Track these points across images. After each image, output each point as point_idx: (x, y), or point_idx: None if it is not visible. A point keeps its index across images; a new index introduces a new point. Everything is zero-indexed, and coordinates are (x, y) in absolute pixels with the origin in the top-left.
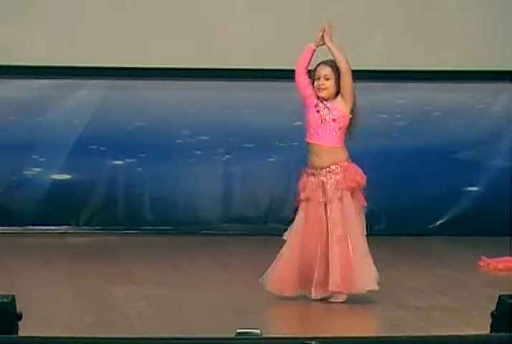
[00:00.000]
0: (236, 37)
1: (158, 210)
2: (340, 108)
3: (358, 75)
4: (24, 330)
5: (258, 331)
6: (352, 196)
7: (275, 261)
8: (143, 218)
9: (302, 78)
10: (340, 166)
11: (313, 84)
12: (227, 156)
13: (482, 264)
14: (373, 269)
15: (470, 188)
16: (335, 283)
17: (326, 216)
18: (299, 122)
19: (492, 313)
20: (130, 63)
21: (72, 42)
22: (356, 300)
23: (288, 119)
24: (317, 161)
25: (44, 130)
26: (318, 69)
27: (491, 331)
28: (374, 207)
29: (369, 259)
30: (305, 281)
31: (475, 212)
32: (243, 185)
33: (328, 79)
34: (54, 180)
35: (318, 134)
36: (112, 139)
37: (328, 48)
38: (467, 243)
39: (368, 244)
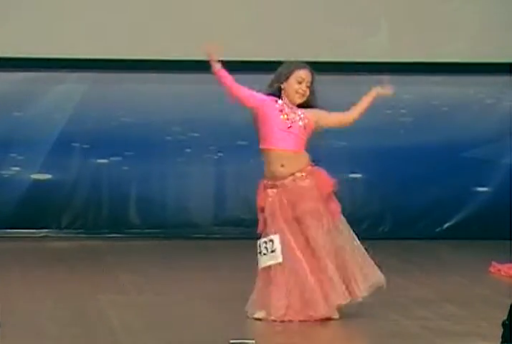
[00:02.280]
0: (231, 27)
1: (145, 212)
2: (311, 121)
3: (362, 68)
4: (3, 341)
5: (252, 341)
6: (325, 202)
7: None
8: (129, 221)
9: (244, 96)
10: (305, 172)
11: (278, 87)
12: (220, 154)
13: (492, 270)
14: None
15: (480, 189)
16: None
17: (301, 230)
18: None
19: (503, 323)
20: (116, 55)
21: (53, 33)
22: (358, 309)
23: None
24: (279, 170)
25: (23, 126)
26: (300, 72)
27: (502, 342)
28: (378, 208)
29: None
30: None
31: (485, 214)
32: (236, 186)
33: (308, 87)
34: (33, 180)
35: (283, 139)
36: (96, 136)
37: (366, 102)
38: (477, 247)
39: (372, 248)
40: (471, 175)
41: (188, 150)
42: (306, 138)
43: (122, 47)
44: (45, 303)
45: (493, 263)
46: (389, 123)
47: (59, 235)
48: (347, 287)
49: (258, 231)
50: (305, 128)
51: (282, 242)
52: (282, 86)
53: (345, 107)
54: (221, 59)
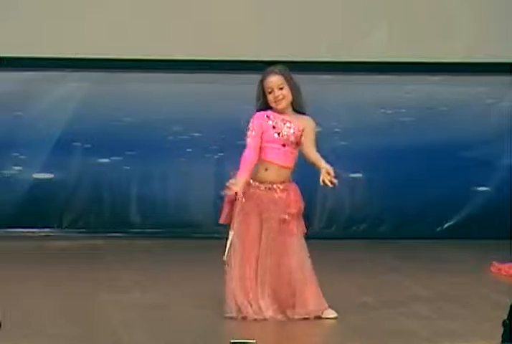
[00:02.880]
0: (231, 27)
1: (146, 212)
2: (299, 128)
3: (361, 67)
4: (4, 340)
5: (253, 341)
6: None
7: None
8: (130, 221)
9: (255, 148)
10: (283, 186)
11: (264, 102)
12: (221, 154)
13: (493, 269)
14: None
15: (480, 189)
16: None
17: (261, 233)
18: None
19: (503, 322)
20: (117, 54)
21: (55, 33)
22: (357, 308)
23: None
24: (261, 172)
25: (25, 125)
26: (268, 80)
27: (503, 341)
28: (379, 208)
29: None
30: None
31: (485, 214)
32: None
33: (282, 89)
34: (35, 179)
35: (274, 154)
36: (97, 136)
37: (318, 161)
38: (477, 247)
39: (372, 248)
40: (471, 175)
41: (189, 150)
42: (296, 152)
43: (123, 47)
44: (46, 302)
45: (493, 262)
46: (389, 123)
47: (60, 234)
48: (279, 303)
49: (220, 222)
50: (296, 143)
51: (239, 238)
52: (265, 100)
53: (342, 107)
54: (221, 59)
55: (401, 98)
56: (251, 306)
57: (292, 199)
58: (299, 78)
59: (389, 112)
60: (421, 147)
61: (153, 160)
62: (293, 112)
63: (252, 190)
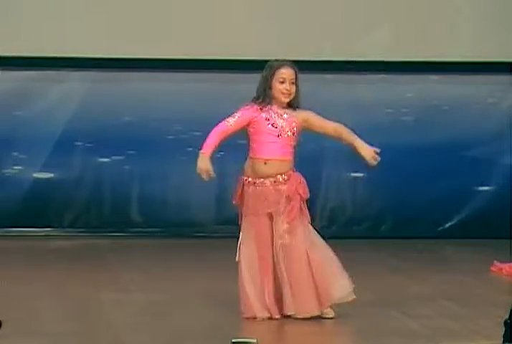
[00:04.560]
0: (231, 27)
1: (147, 211)
2: (298, 124)
3: (362, 67)
4: (4, 339)
5: (254, 340)
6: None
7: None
8: (131, 220)
9: (232, 126)
10: (287, 176)
11: (266, 93)
12: (221, 153)
13: (494, 269)
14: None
15: (482, 188)
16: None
17: (272, 229)
18: None
19: (505, 322)
20: (118, 53)
21: (55, 32)
22: (358, 308)
23: None
24: (261, 167)
25: (25, 125)
26: (281, 71)
27: (504, 341)
28: (380, 207)
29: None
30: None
31: (487, 213)
32: None
33: (293, 84)
34: (35, 178)
35: (270, 149)
36: (98, 135)
37: (356, 142)
38: (479, 246)
39: (373, 247)
40: (472, 175)
41: (189, 149)
42: (294, 144)
43: (124, 46)
44: (47, 301)
45: (495, 262)
46: (391, 122)
47: (61, 234)
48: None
49: (233, 202)
50: (293, 134)
51: (248, 238)
52: (269, 91)
53: (344, 106)
54: (222, 58)
55: (403, 97)
56: (266, 307)
57: (298, 188)
58: (301, 77)
59: (391, 111)
60: (422, 147)
61: (154, 159)
62: (288, 108)
63: (258, 188)
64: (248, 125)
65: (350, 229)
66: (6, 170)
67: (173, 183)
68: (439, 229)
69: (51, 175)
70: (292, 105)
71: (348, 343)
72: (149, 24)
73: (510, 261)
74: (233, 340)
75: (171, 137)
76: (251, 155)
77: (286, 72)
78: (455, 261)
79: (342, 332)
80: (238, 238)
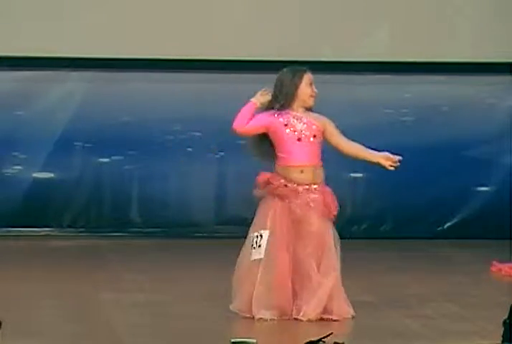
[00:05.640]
0: (230, 27)
1: (147, 211)
2: (320, 127)
3: (362, 67)
4: (4, 340)
5: (254, 340)
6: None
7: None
8: (130, 220)
9: (249, 126)
10: (319, 187)
11: (291, 96)
12: (221, 153)
13: (493, 269)
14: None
15: (481, 188)
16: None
17: (300, 234)
18: None
19: (504, 322)
20: (117, 54)
21: (55, 32)
22: (358, 308)
23: None
24: (299, 177)
25: (25, 125)
26: (309, 75)
27: (503, 341)
28: (379, 208)
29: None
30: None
31: (486, 214)
32: (238, 185)
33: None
34: (35, 178)
35: (297, 154)
36: (97, 135)
37: (370, 156)
38: (478, 247)
39: (373, 247)
40: (472, 175)
41: (189, 149)
42: (319, 146)
43: (123, 46)
44: (46, 302)
45: (494, 262)
46: (391, 122)
47: (60, 234)
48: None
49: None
50: (314, 136)
51: (273, 239)
52: (295, 95)
53: (344, 107)
54: (221, 58)
55: (403, 98)
56: (283, 310)
57: (329, 201)
58: None
59: (390, 111)
60: (422, 147)
61: (154, 159)
62: (305, 111)
63: (288, 193)
64: (267, 130)
65: (349, 229)
66: (5, 170)
67: (173, 183)
68: (438, 229)
69: (51, 175)
70: (310, 109)
71: (347, 343)
72: (148, 24)
73: (509, 262)
74: (232, 340)
75: (170, 137)
76: (282, 163)
77: (311, 76)
78: (455, 262)
79: (342, 333)
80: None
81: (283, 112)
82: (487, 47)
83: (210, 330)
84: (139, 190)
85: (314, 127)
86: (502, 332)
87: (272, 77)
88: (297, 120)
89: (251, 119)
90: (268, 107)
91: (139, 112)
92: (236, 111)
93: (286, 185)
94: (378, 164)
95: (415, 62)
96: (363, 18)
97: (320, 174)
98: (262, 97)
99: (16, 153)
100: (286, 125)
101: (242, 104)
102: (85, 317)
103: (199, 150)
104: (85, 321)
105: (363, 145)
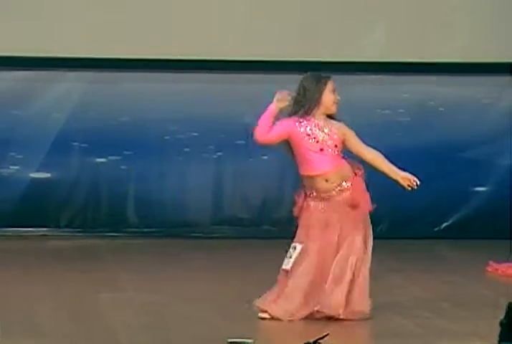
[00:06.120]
0: (230, 27)
1: (144, 211)
2: (340, 136)
3: (358, 67)
4: (1, 340)
5: (251, 341)
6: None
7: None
8: (127, 220)
9: (271, 135)
10: (350, 181)
11: (315, 102)
12: (218, 154)
13: (490, 269)
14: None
15: (478, 189)
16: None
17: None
18: None
19: (500, 322)
20: (114, 54)
21: (52, 32)
22: None
23: (283, 114)
24: (324, 186)
25: (22, 125)
26: (332, 82)
27: (499, 341)
28: (376, 208)
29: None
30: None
31: (483, 214)
32: (235, 185)
33: None
34: (32, 179)
35: (319, 163)
36: (94, 135)
37: (389, 171)
38: (475, 247)
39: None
40: (469, 175)
41: (186, 150)
42: (340, 152)
43: (120, 46)
44: (44, 302)
45: (491, 262)
46: (387, 123)
47: (57, 234)
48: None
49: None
50: (336, 146)
51: (306, 251)
52: (319, 102)
53: (340, 107)
54: (219, 58)
55: (399, 98)
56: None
57: (356, 196)
58: (297, 78)
59: (387, 112)
60: (418, 148)
61: (151, 159)
62: (326, 118)
63: (322, 203)
64: (289, 137)
65: None
66: (2, 170)
67: (170, 183)
68: (435, 230)
69: (48, 175)
70: (331, 116)
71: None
72: (145, 24)
73: (505, 262)
74: (229, 340)
75: (167, 137)
76: (306, 173)
77: (332, 84)
78: (452, 262)
79: (339, 333)
80: (293, 247)
81: (306, 119)
82: (484, 47)
83: (207, 329)
84: (136, 191)
85: (335, 136)
86: (499, 332)
87: (268, 77)
88: (319, 129)
89: (272, 127)
90: (289, 112)
91: (136, 112)
92: (234, 111)
93: (320, 196)
94: (396, 181)
95: (412, 63)
96: (359, 18)
97: (346, 171)
98: (280, 103)
99: (13, 153)
100: (308, 134)
101: (241, 103)
102: (82, 317)
103: (196, 151)
104: (82, 321)
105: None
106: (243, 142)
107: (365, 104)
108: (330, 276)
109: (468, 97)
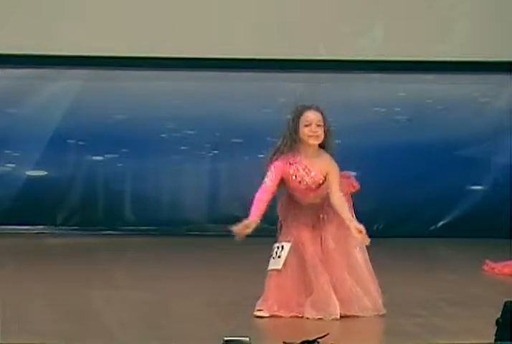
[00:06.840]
0: (227, 26)
1: (140, 209)
2: (324, 174)
3: (356, 66)
4: None
5: (247, 339)
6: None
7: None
8: (124, 218)
9: (272, 186)
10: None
11: (292, 139)
12: (215, 152)
13: (486, 268)
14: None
15: (474, 187)
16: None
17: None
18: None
19: (497, 321)
20: (111, 52)
21: (49, 30)
22: None
23: (280, 112)
24: (310, 205)
25: (18, 123)
26: (306, 114)
27: (496, 340)
28: (372, 207)
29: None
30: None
31: (479, 213)
32: (231, 183)
33: (319, 126)
34: (28, 176)
35: (304, 196)
36: (91, 133)
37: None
38: (471, 245)
39: (366, 246)
40: (465, 174)
41: (183, 148)
42: (322, 187)
43: (117, 45)
44: (39, 299)
45: (487, 261)
46: (384, 121)
47: (54, 231)
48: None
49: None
50: (320, 184)
51: (295, 250)
52: (296, 135)
53: (338, 106)
54: (215, 57)
55: (396, 97)
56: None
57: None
58: (294, 76)
59: (384, 110)
60: (415, 146)
61: (147, 157)
62: (317, 150)
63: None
64: (281, 175)
65: None
66: None
67: (166, 181)
68: (431, 228)
69: (45, 173)
70: (323, 147)
71: (340, 342)
72: (142, 23)
73: (502, 261)
74: (225, 339)
75: (163, 135)
76: (291, 195)
77: (312, 116)
78: (447, 261)
79: (335, 332)
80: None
81: (295, 159)
82: (481, 46)
83: (203, 327)
84: (132, 188)
85: (321, 176)
86: (495, 330)
87: (266, 76)
88: (305, 173)
89: (264, 202)
90: (277, 146)
91: (133, 110)
92: (230, 109)
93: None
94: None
95: (409, 61)
96: (357, 17)
97: (324, 192)
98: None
99: (9, 151)
100: (296, 176)
101: (238, 102)
102: (78, 315)
103: (193, 149)
104: (78, 318)
105: (356, 142)
106: (239, 140)
107: (362, 102)
108: (350, 281)
109: (466, 95)
